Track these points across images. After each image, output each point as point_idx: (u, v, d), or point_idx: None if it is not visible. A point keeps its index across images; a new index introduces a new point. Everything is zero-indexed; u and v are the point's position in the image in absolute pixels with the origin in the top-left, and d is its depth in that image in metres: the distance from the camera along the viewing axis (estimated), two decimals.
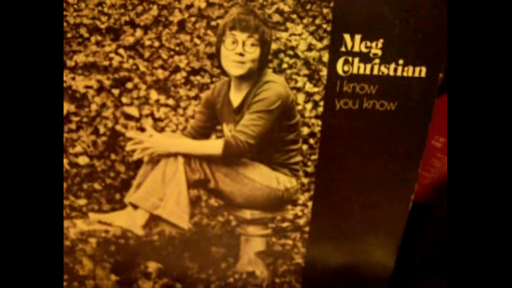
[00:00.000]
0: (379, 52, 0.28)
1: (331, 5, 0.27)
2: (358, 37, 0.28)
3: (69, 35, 0.28)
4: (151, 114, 0.30)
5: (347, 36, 0.28)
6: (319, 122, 0.30)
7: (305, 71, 0.29)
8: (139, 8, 0.28)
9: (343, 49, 0.28)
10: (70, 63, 0.29)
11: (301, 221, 0.34)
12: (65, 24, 0.28)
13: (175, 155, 0.32)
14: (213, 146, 0.31)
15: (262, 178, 0.32)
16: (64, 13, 0.28)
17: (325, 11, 0.27)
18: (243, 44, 0.29)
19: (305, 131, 0.31)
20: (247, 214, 0.33)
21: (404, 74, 0.28)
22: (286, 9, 0.28)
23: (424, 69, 0.28)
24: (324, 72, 0.29)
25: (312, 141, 0.31)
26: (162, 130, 0.31)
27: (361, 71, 0.29)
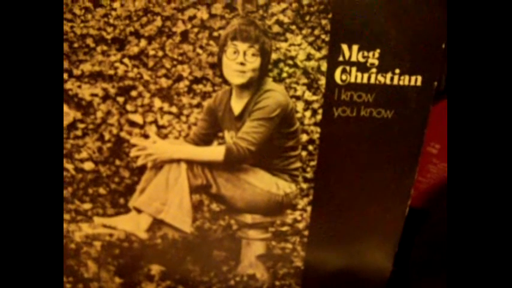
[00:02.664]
0: (376, 62, 0.28)
1: (330, 16, 0.28)
2: (355, 47, 0.28)
3: (75, 45, 0.29)
4: (155, 122, 0.31)
5: (345, 47, 0.28)
6: (318, 129, 0.31)
7: (304, 80, 0.30)
8: (144, 19, 0.28)
9: (341, 59, 0.28)
10: (76, 72, 0.30)
11: (301, 225, 0.34)
12: (72, 34, 0.29)
13: (178, 161, 0.32)
14: (215, 152, 0.32)
15: (263, 183, 0.33)
16: (71, 24, 0.28)
17: (323, 22, 0.28)
18: (244, 53, 0.29)
19: (304, 138, 0.31)
20: (248, 218, 0.34)
21: (401, 82, 0.29)
22: (286, 20, 0.28)
23: (419, 78, 0.29)
24: (323, 81, 0.29)
25: (311, 147, 0.31)
26: (165, 137, 0.31)
27: (359, 80, 0.29)
